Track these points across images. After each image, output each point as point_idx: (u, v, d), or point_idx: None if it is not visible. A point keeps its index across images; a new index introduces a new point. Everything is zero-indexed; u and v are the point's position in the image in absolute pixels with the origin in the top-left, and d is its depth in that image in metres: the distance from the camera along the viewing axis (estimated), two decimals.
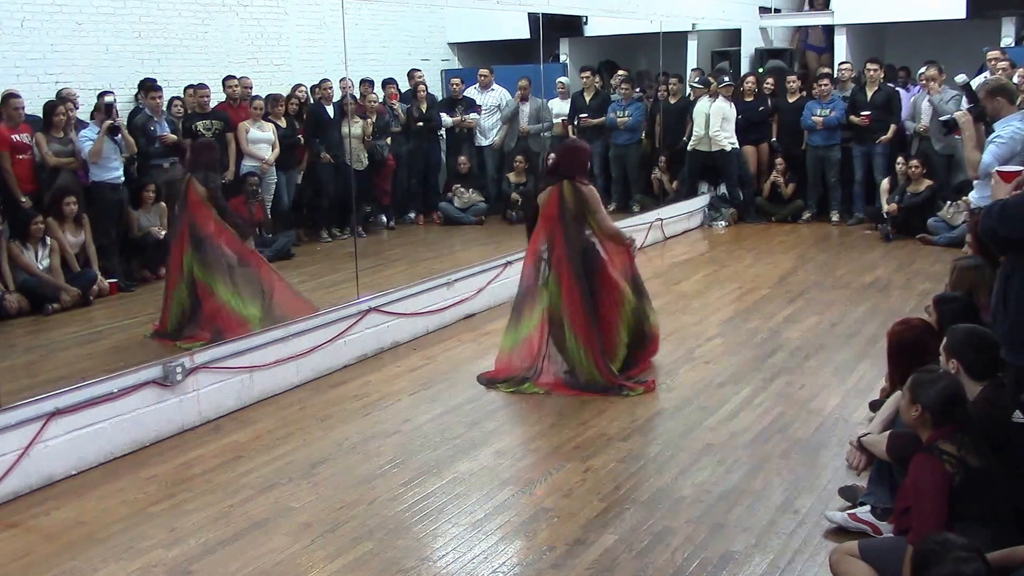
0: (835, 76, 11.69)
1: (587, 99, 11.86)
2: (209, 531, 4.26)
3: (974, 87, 6.33)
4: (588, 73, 11.96)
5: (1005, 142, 5.54)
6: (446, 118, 11.81)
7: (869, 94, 10.98)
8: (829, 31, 13.05)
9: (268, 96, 10.26)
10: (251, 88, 10.25)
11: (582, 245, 6.05)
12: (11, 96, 8.03)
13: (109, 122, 8.22)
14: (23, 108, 8.17)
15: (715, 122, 11.29)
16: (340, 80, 10.17)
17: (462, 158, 11.76)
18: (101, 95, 8.96)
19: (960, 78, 6.73)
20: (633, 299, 6.16)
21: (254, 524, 4.31)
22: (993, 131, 5.66)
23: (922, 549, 2.75)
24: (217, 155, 7.76)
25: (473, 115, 11.88)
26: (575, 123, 11.90)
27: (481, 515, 4.35)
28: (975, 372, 3.72)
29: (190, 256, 6.84)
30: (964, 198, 9.43)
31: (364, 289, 7.15)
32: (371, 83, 11.15)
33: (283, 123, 10.14)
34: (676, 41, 12.57)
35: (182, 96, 9.87)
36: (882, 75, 11.14)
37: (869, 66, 11.06)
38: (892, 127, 10.84)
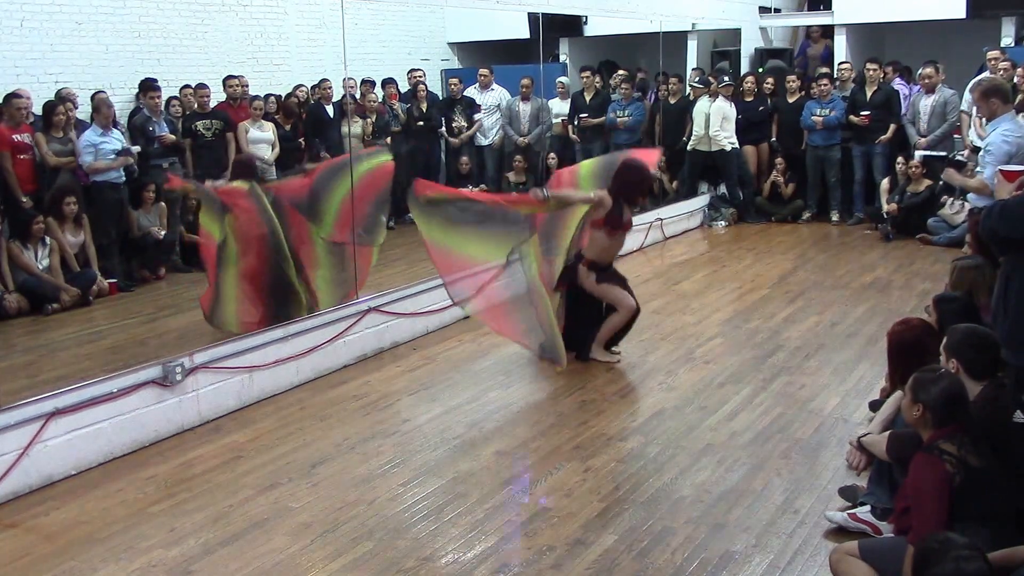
0: (835, 76, 11.70)
1: (587, 99, 11.85)
2: (209, 531, 4.26)
3: (965, 95, 6.43)
4: (588, 73, 11.96)
5: (992, 151, 5.58)
6: (452, 139, 11.82)
7: (869, 94, 10.98)
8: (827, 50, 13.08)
9: (268, 96, 10.27)
10: (247, 88, 10.27)
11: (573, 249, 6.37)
12: (14, 96, 8.04)
13: (129, 159, 8.43)
14: (27, 108, 8.18)
15: (715, 122, 11.28)
16: (345, 80, 10.15)
17: (464, 158, 11.76)
18: (95, 95, 8.98)
19: (919, 155, 7.10)
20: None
21: (254, 524, 4.31)
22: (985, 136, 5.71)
23: (923, 548, 2.76)
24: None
25: (478, 116, 11.90)
26: (575, 123, 11.90)
27: (481, 515, 4.35)
28: (975, 372, 3.72)
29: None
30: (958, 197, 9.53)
31: (364, 289, 7.14)
32: (371, 83, 11.15)
33: (287, 126, 10.14)
34: (676, 41, 12.57)
35: (179, 96, 9.87)
36: (882, 75, 11.14)
37: (869, 66, 11.05)
38: (892, 127, 10.84)
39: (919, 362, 3.93)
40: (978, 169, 6.11)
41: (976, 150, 6.18)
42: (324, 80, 10.51)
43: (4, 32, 8.90)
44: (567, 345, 6.37)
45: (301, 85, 10.83)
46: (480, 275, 6.23)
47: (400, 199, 11.61)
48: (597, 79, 12.15)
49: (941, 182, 9.43)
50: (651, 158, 7.39)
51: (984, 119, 5.95)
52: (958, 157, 6.70)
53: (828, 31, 12.91)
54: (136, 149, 8.56)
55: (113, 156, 8.37)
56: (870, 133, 10.92)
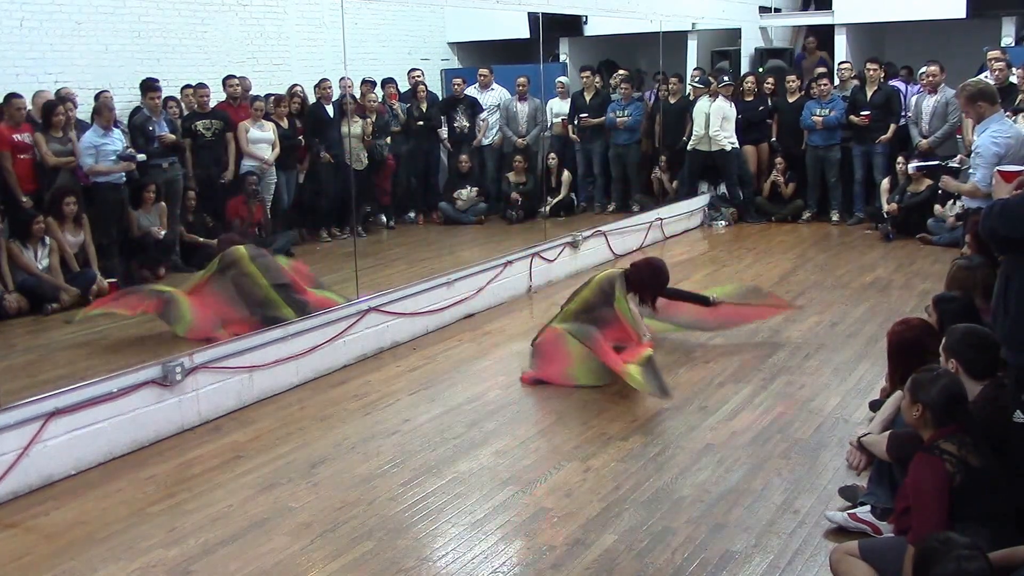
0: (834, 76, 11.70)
1: (587, 99, 11.86)
2: (209, 531, 4.26)
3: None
4: (588, 73, 11.96)
5: (982, 154, 5.58)
6: (446, 141, 11.86)
7: (869, 94, 10.97)
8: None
9: (271, 95, 10.27)
10: (249, 88, 10.26)
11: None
12: (14, 96, 8.05)
13: (131, 166, 8.43)
14: (30, 108, 8.20)
15: (715, 122, 11.28)
16: (340, 79, 10.18)
17: (463, 158, 11.76)
18: (99, 95, 8.99)
19: (912, 167, 7.24)
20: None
21: (254, 524, 4.31)
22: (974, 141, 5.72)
23: (924, 548, 2.75)
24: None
25: (483, 115, 11.90)
26: (575, 123, 11.90)
27: (481, 515, 4.35)
28: (974, 372, 3.72)
29: None
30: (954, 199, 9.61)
31: (364, 289, 7.15)
32: (372, 83, 11.14)
33: (284, 124, 10.14)
34: (676, 41, 12.57)
35: (177, 96, 9.85)
36: (882, 75, 11.13)
37: (869, 66, 11.04)
38: (892, 126, 10.83)
39: (919, 362, 3.93)
40: (970, 171, 6.11)
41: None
42: (324, 80, 10.51)
43: (4, 32, 8.89)
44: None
45: (297, 84, 10.82)
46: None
47: (402, 199, 11.70)
48: (597, 79, 12.15)
49: (940, 190, 9.45)
50: (764, 314, 7.06)
51: (972, 123, 5.96)
52: (951, 164, 6.73)
53: (824, 43, 12.85)
54: (141, 157, 8.55)
55: (114, 158, 8.37)
56: (870, 133, 10.91)
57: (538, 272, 8.77)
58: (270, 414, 5.75)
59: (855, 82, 11.29)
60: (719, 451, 4.96)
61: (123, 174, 8.52)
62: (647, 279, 6.62)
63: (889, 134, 10.83)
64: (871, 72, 10.98)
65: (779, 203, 11.75)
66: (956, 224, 9.68)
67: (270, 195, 9.99)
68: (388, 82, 11.57)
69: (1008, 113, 6.98)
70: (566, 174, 11.97)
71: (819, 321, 7.34)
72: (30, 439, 4.72)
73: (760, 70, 12.55)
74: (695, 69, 12.53)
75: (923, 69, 10.63)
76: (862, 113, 10.87)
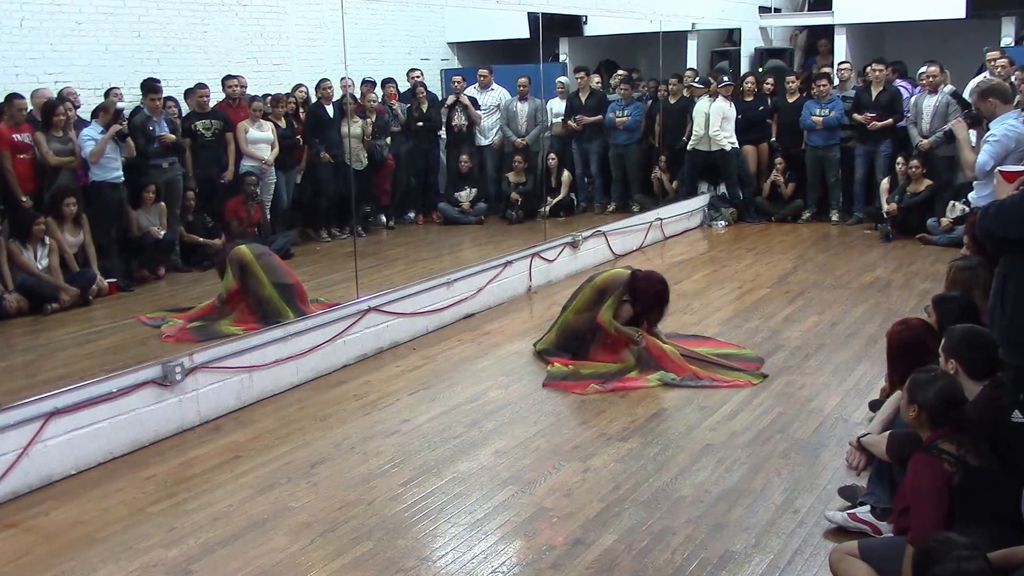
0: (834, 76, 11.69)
1: (583, 99, 11.86)
2: (209, 531, 4.26)
3: (966, 93, 6.37)
4: (583, 73, 11.97)
5: (999, 140, 5.58)
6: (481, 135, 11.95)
7: (874, 94, 10.94)
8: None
9: (268, 96, 10.27)
10: (246, 88, 10.27)
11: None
12: (15, 97, 8.05)
13: (118, 127, 8.27)
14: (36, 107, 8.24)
15: (715, 122, 11.28)
16: (341, 79, 10.17)
17: (463, 158, 11.76)
18: (108, 92, 8.99)
19: (948, 87, 6.81)
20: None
21: (254, 524, 4.31)
22: (989, 130, 5.70)
23: (924, 548, 2.76)
24: None
25: (479, 113, 11.91)
26: (572, 120, 11.89)
27: (481, 515, 4.35)
28: (974, 372, 3.72)
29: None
30: (954, 203, 9.58)
31: (363, 289, 7.15)
32: (372, 83, 11.14)
33: (283, 123, 10.14)
34: (676, 41, 12.56)
35: (175, 98, 9.85)
36: (886, 75, 11.10)
37: (875, 66, 11.00)
38: (891, 120, 10.76)
39: (919, 362, 3.93)
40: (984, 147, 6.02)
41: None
42: (324, 80, 10.51)
43: (4, 32, 8.88)
44: (565, 348, 6.51)
45: (301, 85, 10.82)
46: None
47: (401, 199, 11.69)
48: (596, 79, 12.15)
49: (938, 190, 9.39)
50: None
51: (986, 121, 5.93)
52: (975, 111, 6.39)
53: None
54: (120, 127, 8.42)
55: (114, 156, 8.35)
56: (874, 132, 10.87)
57: (538, 272, 8.77)
58: (270, 414, 5.75)
59: (859, 84, 11.26)
60: (719, 451, 4.96)
61: (123, 174, 8.51)
62: (649, 294, 6.50)
63: (891, 122, 10.76)
64: (876, 72, 10.94)
65: (779, 203, 11.75)
66: (951, 227, 9.71)
67: (269, 195, 9.98)
68: (388, 82, 11.57)
69: None
70: (566, 174, 11.97)
71: (819, 321, 7.34)
72: (30, 439, 4.72)
73: (760, 70, 12.54)
74: (688, 69, 12.51)
75: (923, 69, 10.61)
76: (867, 114, 10.80)
